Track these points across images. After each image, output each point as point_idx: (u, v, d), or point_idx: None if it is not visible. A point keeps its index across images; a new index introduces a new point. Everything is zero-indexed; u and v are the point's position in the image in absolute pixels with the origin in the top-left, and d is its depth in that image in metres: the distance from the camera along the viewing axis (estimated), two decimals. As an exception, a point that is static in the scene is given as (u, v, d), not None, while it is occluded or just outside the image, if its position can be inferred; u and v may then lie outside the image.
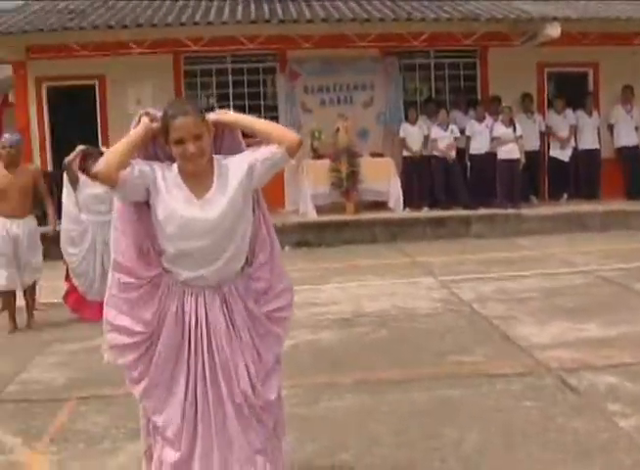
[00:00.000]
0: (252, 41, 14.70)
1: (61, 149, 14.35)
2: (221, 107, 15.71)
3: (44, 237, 9.05)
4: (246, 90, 16.22)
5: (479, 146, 15.29)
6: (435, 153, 15.28)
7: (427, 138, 15.38)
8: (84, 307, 8.91)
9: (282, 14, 14.95)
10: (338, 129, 15.01)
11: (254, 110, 15.90)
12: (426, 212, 14.96)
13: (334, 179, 14.86)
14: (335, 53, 15.55)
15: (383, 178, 15.11)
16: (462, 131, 15.46)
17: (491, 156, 15.06)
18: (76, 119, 15.68)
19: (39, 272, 8.90)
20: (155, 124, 3.44)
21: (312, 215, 14.70)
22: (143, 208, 3.50)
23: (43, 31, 14.03)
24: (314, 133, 15.42)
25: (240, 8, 15.43)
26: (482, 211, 14.84)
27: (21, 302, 8.87)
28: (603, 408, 5.30)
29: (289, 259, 11.87)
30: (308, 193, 14.89)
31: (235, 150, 3.61)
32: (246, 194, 3.52)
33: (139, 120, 3.47)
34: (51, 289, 9.59)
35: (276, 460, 3.63)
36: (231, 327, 3.53)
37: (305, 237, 13.84)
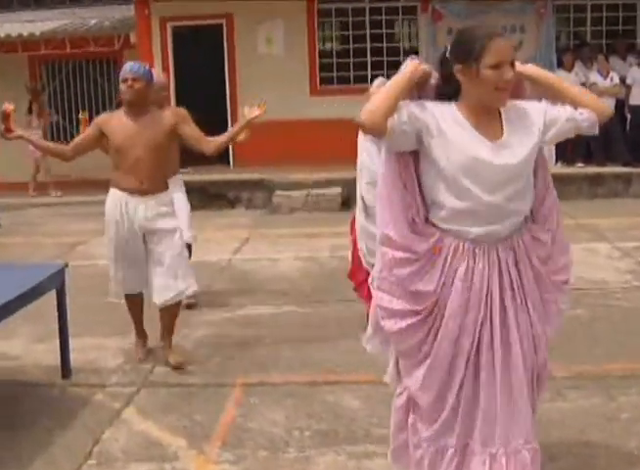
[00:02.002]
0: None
1: (186, 94, 13.59)
2: (358, 49, 14.75)
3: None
4: (384, 31, 15.02)
5: (640, 96, 13.79)
6: (593, 102, 13.81)
7: (583, 86, 13.97)
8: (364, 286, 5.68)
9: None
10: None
11: (392, 53, 14.81)
12: (580, 168, 13.61)
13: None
14: (482, -7, 14.17)
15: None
16: (621, 80, 13.97)
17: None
18: (202, 62, 14.83)
19: (181, 294, 5.60)
20: (423, 67, 3.15)
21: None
22: (410, 166, 3.17)
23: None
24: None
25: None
26: (643, 168, 13.40)
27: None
28: None
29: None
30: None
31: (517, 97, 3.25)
32: (537, 146, 3.20)
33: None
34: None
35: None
36: (520, 288, 3.19)
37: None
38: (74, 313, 5.63)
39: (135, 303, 5.81)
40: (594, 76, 13.79)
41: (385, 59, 14.87)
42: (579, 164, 13.73)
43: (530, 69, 3.25)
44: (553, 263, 3.31)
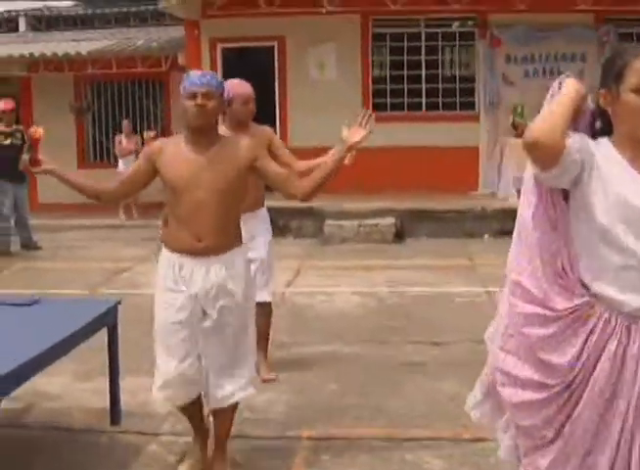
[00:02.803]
0: (451, 2, 13.10)
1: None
2: (412, 75, 14.33)
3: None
4: (440, 57, 14.63)
5: None
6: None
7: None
8: None
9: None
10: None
11: (448, 80, 14.41)
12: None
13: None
14: (542, 18, 13.70)
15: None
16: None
17: None
18: (252, 85, 14.47)
19: (243, 389, 4.19)
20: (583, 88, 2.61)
21: (514, 201, 12.90)
22: (561, 206, 2.64)
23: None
24: (516, 108, 13.74)
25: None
26: None
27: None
28: None
29: (489, 250, 10.49)
30: (510, 175, 13.16)
31: None
32: None
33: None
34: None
35: None
36: None
37: (507, 225, 12.11)
38: (122, 348, 5.00)
39: (193, 409, 4.35)
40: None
41: (440, 86, 14.48)
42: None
43: None
44: None
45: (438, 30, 14.45)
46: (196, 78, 3.99)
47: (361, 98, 14.26)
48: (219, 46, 14.46)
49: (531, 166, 2.61)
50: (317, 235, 12.40)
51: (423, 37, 14.47)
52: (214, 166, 3.99)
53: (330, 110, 13.19)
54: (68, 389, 5.54)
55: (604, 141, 2.61)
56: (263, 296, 5.46)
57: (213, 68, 14.25)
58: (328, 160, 4.25)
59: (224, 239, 4.03)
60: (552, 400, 2.63)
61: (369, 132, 4.08)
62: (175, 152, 4.07)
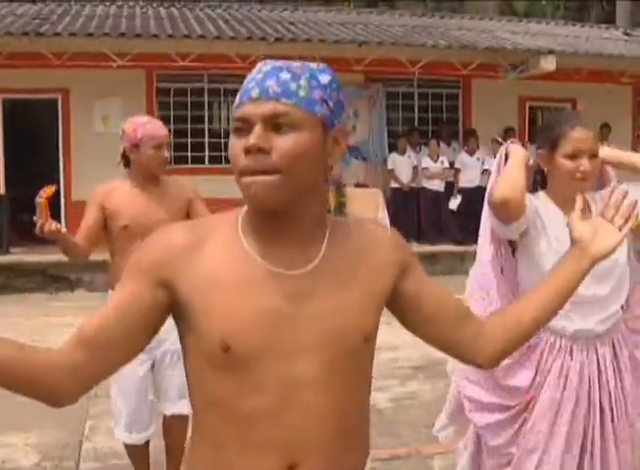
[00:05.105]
0: (234, 59, 13.69)
1: (17, 175, 13.07)
2: (196, 129, 14.73)
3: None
4: (222, 112, 15.20)
5: (469, 179, 14.60)
6: (425, 185, 14.54)
7: (416, 169, 14.61)
8: None
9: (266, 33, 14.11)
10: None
11: (229, 134, 14.91)
12: (416, 247, 14.10)
13: (321, 211, 13.81)
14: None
15: (370, 211, 14.14)
16: (450, 164, 14.75)
17: (482, 189, 14.29)
18: (36, 137, 14.36)
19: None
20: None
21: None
22: (509, 253, 3.12)
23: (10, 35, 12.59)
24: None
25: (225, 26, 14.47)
26: (475, 246, 14.01)
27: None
28: None
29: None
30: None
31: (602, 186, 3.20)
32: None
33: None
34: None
35: None
36: (619, 384, 3.04)
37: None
38: None
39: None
40: (425, 161, 14.48)
41: (222, 140, 14.92)
42: (414, 244, 14.23)
43: (606, 153, 3.14)
44: None
45: (221, 86, 14.96)
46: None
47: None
48: (1, 97, 14.08)
49: (489, 219, 3.03)
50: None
51: (206, 92, 14.96)
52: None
53: (114, 163, 13.28)
54: None
55: (541, 194, 3.07)
56: (181, 406, 4.21)
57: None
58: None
59: None
60: (514, 420, 3.03)
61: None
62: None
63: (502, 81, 15.43)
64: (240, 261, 1.66)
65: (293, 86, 1.61)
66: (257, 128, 1.58)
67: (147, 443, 4.36)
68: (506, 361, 2.76)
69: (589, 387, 2.97)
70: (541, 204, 3.03)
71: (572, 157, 2.93)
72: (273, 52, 13.56)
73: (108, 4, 16.40)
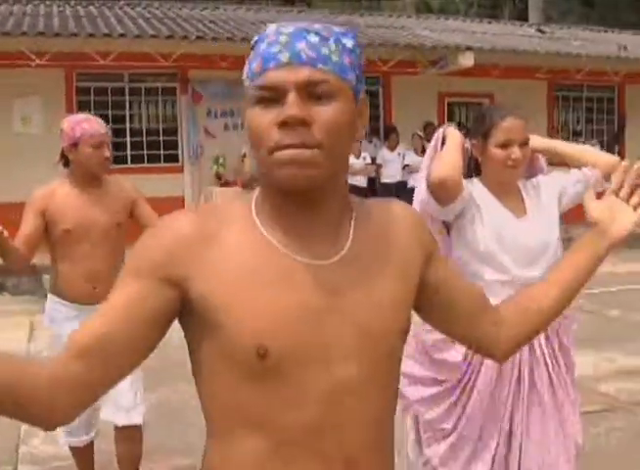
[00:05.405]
0: (155, 58, 13.64)
1: None
2: (117, 129, 14.60)
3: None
4: (143, 111, 15.08)
5: (391, 174, 14.82)
6: (349, 181, 14.65)
7: (338, 166, 14.77)
8: None
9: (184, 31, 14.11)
10: (244, 155, 14.21)
11: (152, 133, 14.87)
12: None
13: (247, 208, 13.81)
14: (240, 75, 14.44)
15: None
16: (372, 160, 14.95)
17: (403, 184, 14.58)
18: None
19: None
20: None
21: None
22: (443, 233, 3.20)
23: None
24: (218, 160, 14.61)
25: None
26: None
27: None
28: None
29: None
30: (220, 222, 13.78)
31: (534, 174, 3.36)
32: (557, 217, 3.27)
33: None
34: None
35: None
36: (553, 361, 3.14)
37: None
38: None
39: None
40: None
41: (144, 139, 14.88)
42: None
43: (536, 141, 3.27)
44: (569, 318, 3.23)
45: (142, 85, 14.86)
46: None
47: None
48: None
49: (421, 205, 3.07)
50: (37, 291, 12.15)
51: (127, 91, 14.84)
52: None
53: (35, 163, 13.11)
54: None
55: (475, 181, 3.18)
56: (134, 417, 4.13)
57: None
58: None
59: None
60: (447, 395, 3.11)
61: None
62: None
63: (421, 78, 15.74)
64: (263, 253, 1.45)
65: (325, 50, 1.41)
66: (293, 97, 1.37)
67: (91, 443, 4.36)
68: (438, 335, 2.89)
69: (520, 363, 3.06)
70: (476, 190, 3.13)
71: (504, 146, 3.05)
72: (195, 50, 13.62)
73: (24, 2, 16.14)
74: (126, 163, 14.62)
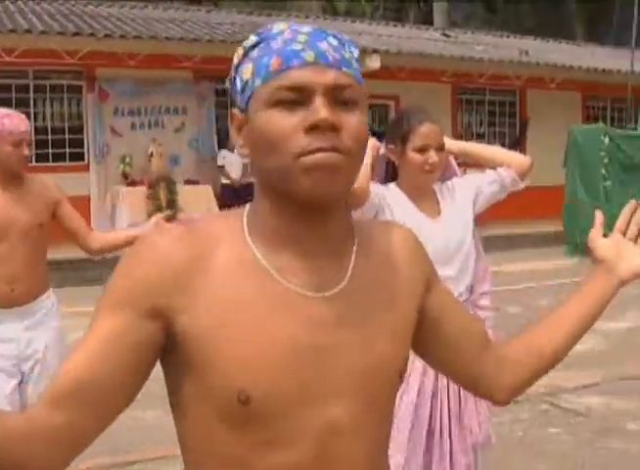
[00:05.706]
0: (61, 56, 13.45)
1: None
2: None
3: None
4: (48, 109, 14.81)
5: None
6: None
7: (246, 166, 14.78)
8: None
9: (91, 28, 13.95)
10: (151, 154, 14.18)
11: (57, 131, 14.64)
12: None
13: (152, 208, 13.75)
14: (148, 74, 14.54)
15: (202, 207, 14.26)
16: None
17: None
18: None
19: None
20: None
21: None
22: None
23: None
24: (124, 158, 14.45)
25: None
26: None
27: None
28: None
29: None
30: (125, 223, 13.60)
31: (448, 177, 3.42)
32: (472, 218, 3.35)
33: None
34: None
35: None
36: None
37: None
38: None
39: None
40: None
41: (49, 137, 14.63)
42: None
43: (450, 144, 3.34)
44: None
45: (47, 83, 14.60)
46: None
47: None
48: None
49: None
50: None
51: (32, 89, 14.56)
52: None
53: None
54: None
55: (392, 186, 3.23)
56: None
57: None
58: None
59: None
60: None
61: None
62: None
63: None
64: (254, 281, 1.29)
65: (346, 54, 1.29)
66: (321, 100, 1.24)
67: None
68: None
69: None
70: (391, 195, 3.18)
71: (421, 150, 3.11)
72: (102, 48, 13.49)
73: None
74: (31, 161, 14.25)
